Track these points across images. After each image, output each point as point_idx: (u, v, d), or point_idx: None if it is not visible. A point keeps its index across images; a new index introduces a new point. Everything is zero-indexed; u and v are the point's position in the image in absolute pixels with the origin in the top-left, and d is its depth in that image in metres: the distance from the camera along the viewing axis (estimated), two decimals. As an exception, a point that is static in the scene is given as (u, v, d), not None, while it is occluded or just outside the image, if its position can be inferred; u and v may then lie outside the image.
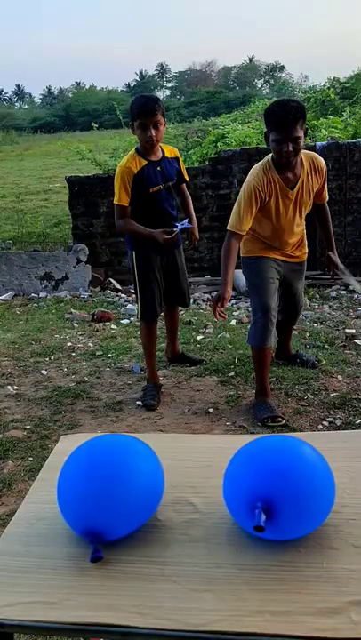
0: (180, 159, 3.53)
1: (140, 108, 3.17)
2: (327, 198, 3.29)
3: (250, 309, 5.03)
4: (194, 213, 3.68)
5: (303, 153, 3.01)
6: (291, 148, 2.80)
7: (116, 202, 3.30)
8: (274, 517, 1.11)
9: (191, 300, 5.49)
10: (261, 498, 1.11)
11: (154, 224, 3.30)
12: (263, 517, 1.09)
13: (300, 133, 2.80)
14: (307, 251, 3.39)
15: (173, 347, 3.91)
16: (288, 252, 3.26)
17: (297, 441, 1.24)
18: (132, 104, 3.24)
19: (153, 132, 3.17)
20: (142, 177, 3.25)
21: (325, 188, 3.22)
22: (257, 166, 3.03)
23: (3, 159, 20.62)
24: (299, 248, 3.31)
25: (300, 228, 3.20)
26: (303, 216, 3.18)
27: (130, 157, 3.30)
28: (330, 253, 3.40)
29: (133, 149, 3.37)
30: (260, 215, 3.04)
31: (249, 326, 3.32)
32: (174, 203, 3.52)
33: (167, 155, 3.40)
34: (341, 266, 3.42)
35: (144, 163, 3.26)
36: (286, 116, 2.76)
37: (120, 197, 3.26)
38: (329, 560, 1.13)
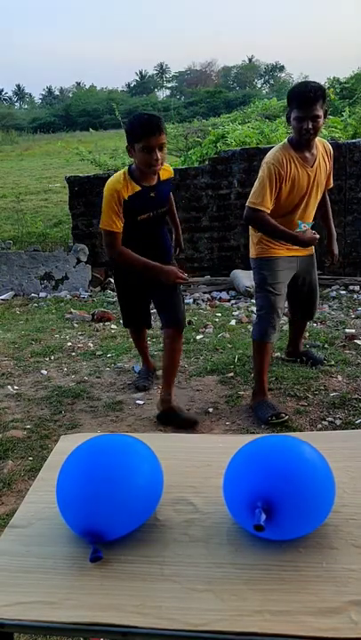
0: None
1: (145, 127, 2.71)
2: (332, 184, 3.34)
3: (250, 308, 5.06)
4: (178, 221, 3.56)
5: (316, 138, 3.10)
6: (310, 126, 2.89)
7: (104, 227, 2.93)
8: (274, 517, 1.11)
9: (193, 302, 5.51)
10: (262, 497, 1.11)
11: (139, 248, 2.98)
12: (263, 517, 1.09)
13: (320, 113, 2.89)
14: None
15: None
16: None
17: (297, 441, 1.24)
18: (133, 123, 2.77)
19: (158, 154, 2.76)
20: (132, 204, 2.90)
21: (331, 173, 3.28)
22: (275, 147, 3.10)
23: (3, 159, 20.63)
24: None
25: (313, 213, 3.23)
26: (317, 199, 3.20)
27: (122, 179, 2.90)
28: (331, 243, 3.46)
29: (126, 169, 2.97)
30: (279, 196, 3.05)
31: (253, 322, 3.34)
32: (165, 228, 3.26)
33: (162, 177, 3.02)
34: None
35: (137, 189, 2.90)
36: (308, 93, 2.86)
37: (110, 223, 2.90)
38: (329, 560, 1.13)
